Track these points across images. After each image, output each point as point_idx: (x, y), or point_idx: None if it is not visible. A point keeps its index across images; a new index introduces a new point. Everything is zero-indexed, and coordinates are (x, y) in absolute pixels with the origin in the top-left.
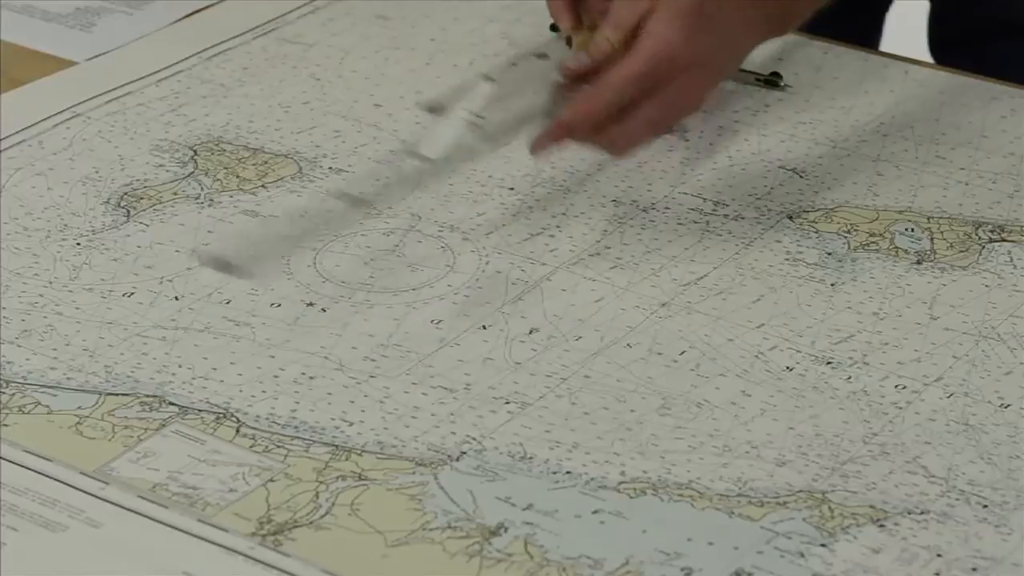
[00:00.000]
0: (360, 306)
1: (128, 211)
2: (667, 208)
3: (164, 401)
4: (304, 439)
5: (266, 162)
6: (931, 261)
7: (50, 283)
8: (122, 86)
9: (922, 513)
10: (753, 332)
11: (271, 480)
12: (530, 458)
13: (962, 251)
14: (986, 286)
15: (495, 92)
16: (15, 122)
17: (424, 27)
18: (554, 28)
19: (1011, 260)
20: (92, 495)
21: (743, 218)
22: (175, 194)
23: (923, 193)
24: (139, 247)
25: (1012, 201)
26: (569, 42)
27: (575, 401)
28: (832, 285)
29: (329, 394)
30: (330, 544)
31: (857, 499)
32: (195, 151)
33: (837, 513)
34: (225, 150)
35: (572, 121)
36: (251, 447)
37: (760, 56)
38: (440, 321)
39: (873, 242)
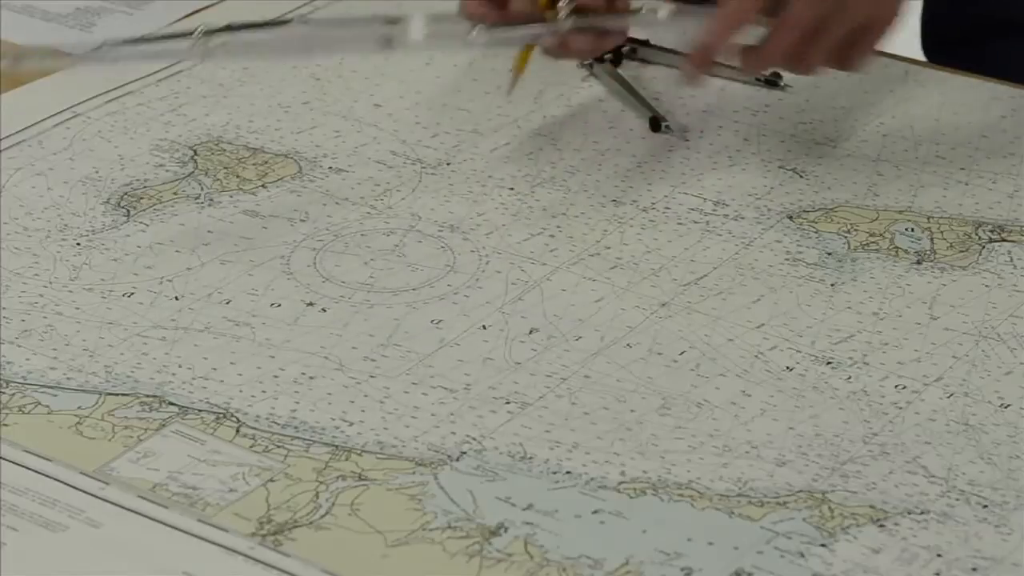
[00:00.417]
0: (360, 306)
1: (128, 211)
2: (667, 208)
3: (164, 401)
4: (304, 439)
5: (266, 162)
6: (931, 261)
7: (50, 283)
8: (122, 86)
9: (922, 513)
10: (753, 332)
11: (271, 480)
12: (530, 458)
13: (962, 251)
14: (986, 286)
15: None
16: (15, 122)
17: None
18: None
19: (1011, 260)
20: (92, 495)
21: (743, 218)
22: (175, 194)
23: (923, 193)
24: (139, 247)
25: (1012, 201)
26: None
27: (575, 401)
28: (832, 285)
29: (329, 394)
30: (330, 544)
31: (857, 499)
32: (195, 151)
33: (837, 513)
34: (225, 150)
35: (703, 36)
36: (251, 447)
37: None
38: (440, 321)
39: (873, 242)
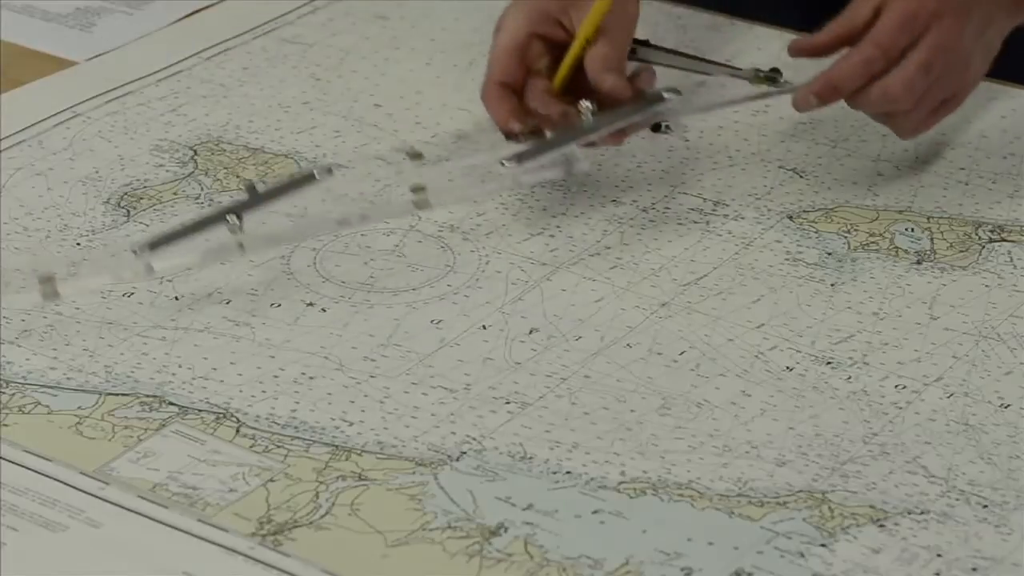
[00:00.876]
0: (360, 306)
1: (128, 211)
2: (667, 208)
3: (164, 401)
4: (304, 439)
5: (266, 162)
6: (931, 261)
7: None
8: (122, 86)
9: (922, 513)
10: (753, 332)
11: (271, 480)
12: (530, 458)
13: (962, 251)
14: (986, 286)
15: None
16: (15, 122)
17: (424, 27)
18: None
19: (1011, 260)
20: (92, 495)
21: (743, 218)
22: (175, 194)
23: (923, 193)
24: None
25: (1012, 201)
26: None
27: (575, 401)
28: (832, 285)
29: (329, 394)
30: (330, 544)
31: (857, 499)
32: (195, 151)
33: (837, 513)
34: (225, 150)
35: (840, 75)
36: (251, 447)
37: (760, 56)
38: (440, 321)
39: (873, 242)
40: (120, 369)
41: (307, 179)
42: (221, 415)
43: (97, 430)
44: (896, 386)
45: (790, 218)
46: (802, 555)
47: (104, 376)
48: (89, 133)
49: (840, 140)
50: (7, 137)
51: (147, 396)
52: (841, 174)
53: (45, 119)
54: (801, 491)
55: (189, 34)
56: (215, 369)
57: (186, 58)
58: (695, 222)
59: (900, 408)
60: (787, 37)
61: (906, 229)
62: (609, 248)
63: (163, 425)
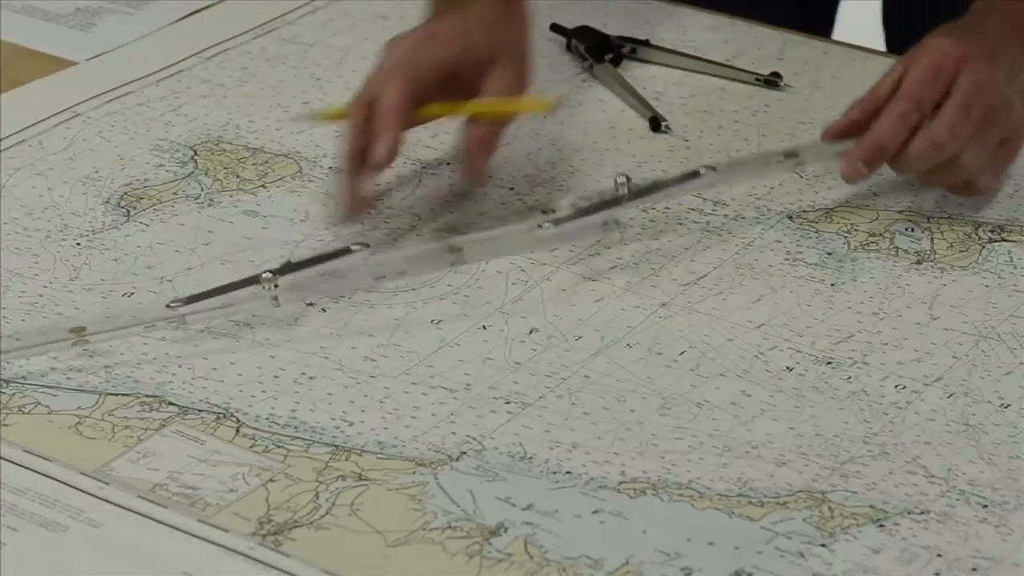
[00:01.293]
0: (360, 306)
1: (128, 211)
2: (667, 208)
3: (164, 401)
4: (304, 439)
5: (266, 162)
6: (931, 261)
7: (50, 283)
8: (122, 86)
9: (922, 513)
10: (753, 332)
11: (271, 480)
12: (530, 458)
13: (962, 251)
14: (986, 286)
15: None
16: (15, 122)
17: None
18: (554, 28)
19: (1011, 260)
20: (92, 495)
21: (743, 218)
22: (175, 194)
23: (923, 193)
24: (139, 247)
25: (1012, 201)
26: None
27: (575, 401)
28: (832, 285)
29: (329, 394)
30: (330, 544)
31: (857, 499)
32: (195, 151)
33: (837, 513)
34: (225, 150)
35: (879, 134)
36: (251, 447)
37: (760, 56)
38: (440, 321)
39: (873, 242)
40: (120, 369)
41: (343, 252)
42: (221, 415)
43: (97, 430)
44: (896, 386)
45: (790, 218)
46: (802, 555)
47: (104, 376)
48: (89, 133)
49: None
50: (7, 137)
51: (147, 396)
52: None
53: (45, 119)
54: (801, 491)
55: (189, 34)
56: (215, 369)
57: (186, 58)
58: (695, 222)
59: (900, 408)
60: (787, 37)
61: (906, 229)
62: (609, 248)
63: (163, 425)
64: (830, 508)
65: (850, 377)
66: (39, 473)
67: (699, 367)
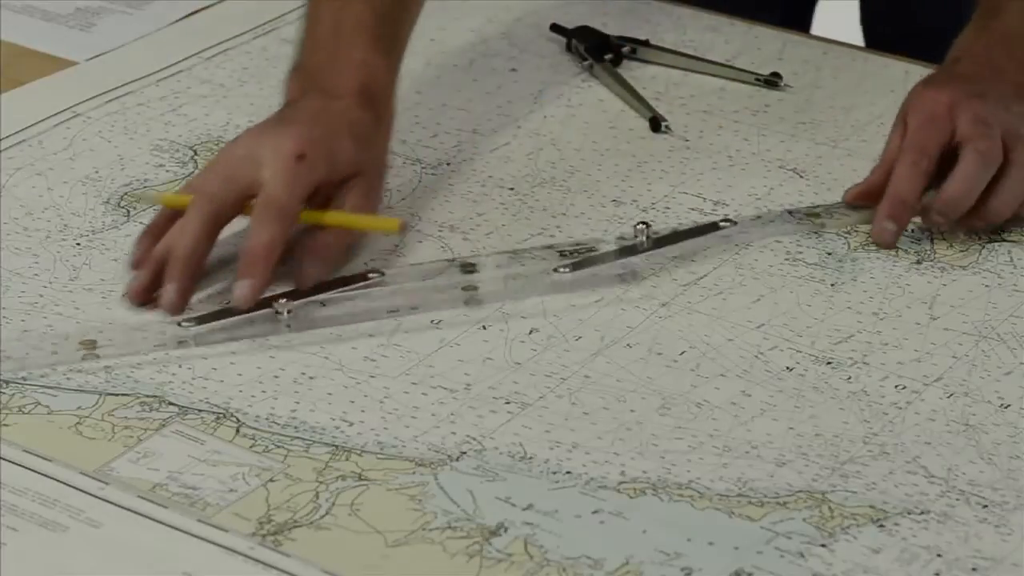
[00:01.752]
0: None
1: (128, 211)
2: (667, 208)
3: (164, 401)
4: (304, 439)
5: None
6: (931, 261)
7: (50, 283)
8: (122, 86)
9: (922, 513)
10: (753, 332)
11: (271, 480)
12: (530, 458)
13: (962, 251)
14: (986, 286)
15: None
16: (15, 122)
17: (424, 27)
18: (554, 28)
19: (1011, 260)
20: (92, 495)
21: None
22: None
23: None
24: None
25: None
26: None
27: (575, 401)
28: (832, 285)
29: (329, 394)
30: (330, 544)
31: (857, 499)
32: (195, 151)
33: (837, 513)
34: None
35: (897, 188)
36: (251, 447)
37: (760, 56)
38: (440, 321)
39: (873, 242)
40: (120, 369)
41: (358, 278)
42: (221, 415)
43: (97, 430)
44: (896, 386)
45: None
46: (802, 555)
47: (104, 376)
48: (89, 133)
49: (840, 140)
50: (7, 137)
51: (147, 396)
52: (841, 174)
53: (45, 119)
54: (801, 491)
55: (189, 34)
56: (215, 369)
57: (186, 58)
58: (695, 222)
59: (900, 408)
60: (787, 37)
61: (906, 229)
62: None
63: (163, 425)
64: (830, 508)
65: (850, 377)
66: (39, 473)
67: (699, 367)
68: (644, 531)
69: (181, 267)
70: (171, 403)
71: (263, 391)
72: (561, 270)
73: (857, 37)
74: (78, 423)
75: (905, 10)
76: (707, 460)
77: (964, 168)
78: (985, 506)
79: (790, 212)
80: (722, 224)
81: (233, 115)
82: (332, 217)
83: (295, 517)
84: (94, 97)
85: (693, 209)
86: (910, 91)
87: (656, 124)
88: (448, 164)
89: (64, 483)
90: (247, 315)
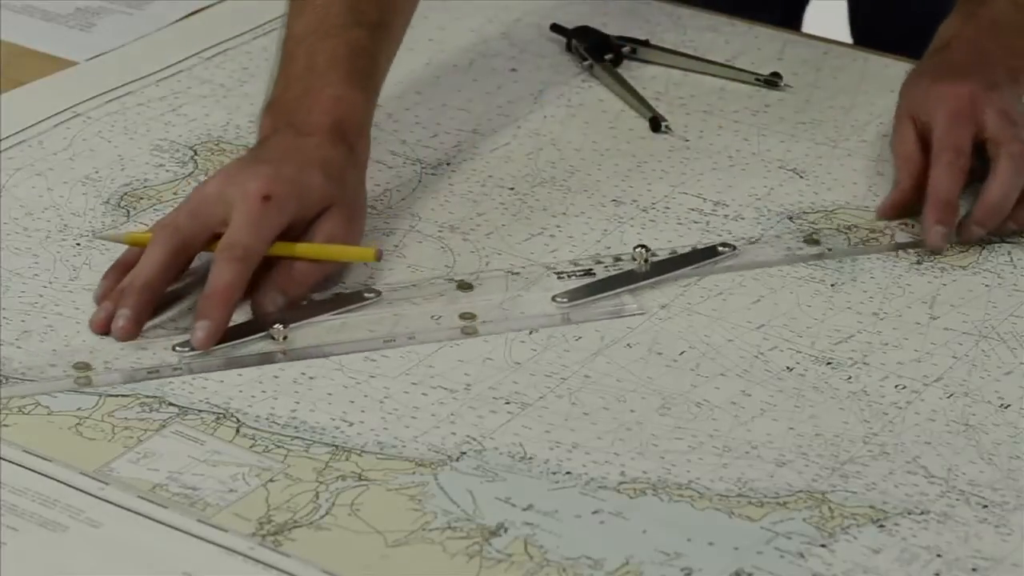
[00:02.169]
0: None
1: (128, 211)
2: (667, 208)
3: (164, 401)
4: (304, 439)
5: None
6: (931, 261)
7: (50, 283)
8: (122, 86)
9: (922, 513)
10: (753, 332)
11: (271, 480)
12: (530, 458)
13: (962, 251)
14: (986, 286)
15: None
16: (15, 122)
17: (424, 27)
18: (554, 28)
19: (1011, 260)
20: (92, 495)
21: (743, 218)
22: (175, 194)
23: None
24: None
25: None
26: None
27: (575, 401)
28: (832, 285)
29: (329, 394)
30: (330, 544)
31: (857, 499)
32: (195, 151)
33: (837, 513)
34: (225, 150)
35: (939, 189)
36: (251, 447)
37: (760, 56)
38: (440, 318)
39: (873, 239)
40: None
41: (355, 297)
42: (221, 415)
43: (97, 431)
44: (896, 386)
45: (790, 218)
46: (802, 555)
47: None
48: (89, 133)
49: (840, 140)
50: (7, 137)
51: (147, 397)
52: (841, 174)
53: (45, 119)
54: (801, 491)
55: (189, 34)
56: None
57: (186, 58)
58: (695, 222)
59: (900, 408)
60: (787, 37)
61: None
62: (609, 248)
63: (163, 425)
64: (830, 508)
65: (850, 377)
66: (39, 473)
67: (699, 367)
68: (644, 531)
69: (136, 294)
70: (171, 403)
71: (263, 391)
72: (559, 300)
73: (845, 34)
74: (78, 423)
75: (893, 4)
76: (707, 460)
77: (1001, 175)
78: (985, 506)
79: (790, 235)
80: (721, 249)
81: (233, 115)
82: (304, 249)
83: (295, 517)
84: (94, 97)
85: (693, 209)
86: (906, 82)
87: (656, 124)
88: (448, 164)
89: (64, 483)
90: (244, 339)
